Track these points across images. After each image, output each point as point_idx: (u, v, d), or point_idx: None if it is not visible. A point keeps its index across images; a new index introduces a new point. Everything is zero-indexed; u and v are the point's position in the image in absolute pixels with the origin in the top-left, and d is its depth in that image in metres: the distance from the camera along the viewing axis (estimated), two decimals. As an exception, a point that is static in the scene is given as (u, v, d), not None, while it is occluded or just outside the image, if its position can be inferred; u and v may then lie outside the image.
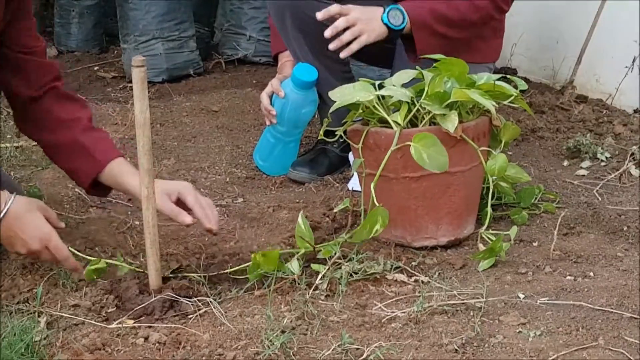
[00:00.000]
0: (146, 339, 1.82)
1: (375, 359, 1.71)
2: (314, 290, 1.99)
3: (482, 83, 2.22)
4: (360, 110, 2.22)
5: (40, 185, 2.64)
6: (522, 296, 1.94)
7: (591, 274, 2.06)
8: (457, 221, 2.22)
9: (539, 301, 1.91)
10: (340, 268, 2.05)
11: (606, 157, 2.80)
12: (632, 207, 2.43)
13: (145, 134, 1.88)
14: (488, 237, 2.17)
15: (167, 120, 3.33)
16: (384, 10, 2.47)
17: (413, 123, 2.18)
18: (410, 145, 2.07)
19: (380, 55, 2.65)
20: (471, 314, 1.88)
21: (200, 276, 2.05)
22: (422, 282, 2.04)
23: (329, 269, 2.04)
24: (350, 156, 2.75)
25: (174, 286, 1.98)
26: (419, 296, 1.94)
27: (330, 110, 2.21)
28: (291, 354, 1.74)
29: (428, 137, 2.05)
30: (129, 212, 2.48)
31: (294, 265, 2.04)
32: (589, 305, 1.88)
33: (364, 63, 3.05)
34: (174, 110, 3.45)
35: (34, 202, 2.03)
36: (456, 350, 1.73)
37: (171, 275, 2.07)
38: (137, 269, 2.07)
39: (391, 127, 2.15)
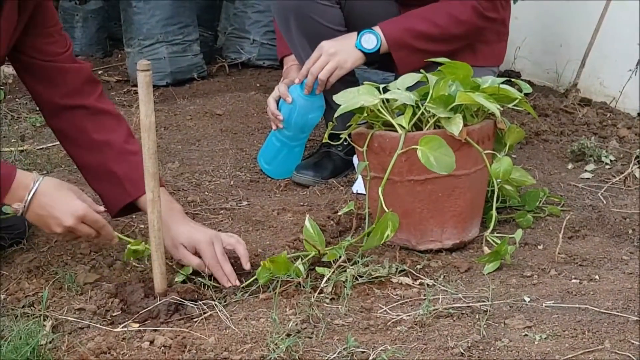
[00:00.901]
0: (151, 342, 1.82)
1: (381, 363, 1.70)
2: (319, 293, 1.99)
3: (486, 86, 2.22)
4: (365, 114, 2.22)
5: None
6: (527, 299, 1.94)
7: (596, 277, 2.06)
8: (462, 224, 2.21)
9: (544, 304, 1.91)
10: (345, 271, 2.05)
11: (610, 160, 2.79)
12: (636, 210, 2.43)
13: (150, 137, 1.88)
14: (493, 240, 2.17)
15: (171, 123, 3.33)
16: (357, 35, 2.53)
17: (418, 126, 2.18)
18: (414, 148, 2.07)
19: (385, 60, 2.65)
20: (477, 317, 1.87)
21: (205, 279, 2.04)
22: (428, 285, 2.04)
23: (334, 272, 2.04)
24: (355, 159, 2.74)
25: (179, 289, 1.98)
26: (425, 299, 1.94)
27: (335, 114, 2.21)
28: (296, 357, 1.73)
29: (434, 139, 2.05)
30: (134, 216, 2.47)
31: (300, 268, 2.04)
32: (595, 309, 1.88)
33: (368, 67, 3.05)
34: (178, 113, 3.45)
35: (64, 183, 2.00)
36: (462, 353, 1.73)
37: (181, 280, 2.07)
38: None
39: (396, 131, 2.14)
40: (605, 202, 2.51)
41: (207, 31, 4.21)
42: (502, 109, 2.22)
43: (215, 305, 1.94)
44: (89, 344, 1.82)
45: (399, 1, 2.67)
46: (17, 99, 3.63)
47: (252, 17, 4.05)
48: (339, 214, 2.43)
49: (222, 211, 2.56)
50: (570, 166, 2.81)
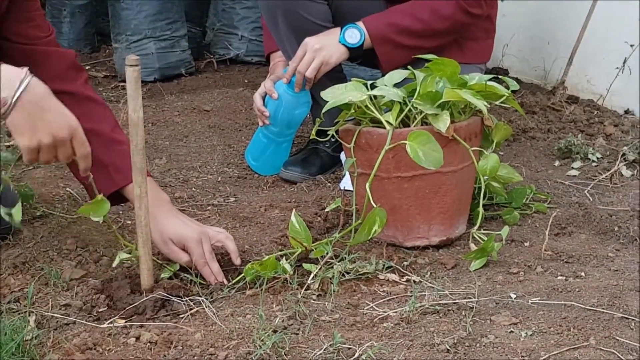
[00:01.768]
0: (137, 338, 1.81)
1: (367, 359, 1.70)
2: (305, 289, 1.99)
3: (473, 83, 2.22)
4: (352, 110, 2.21)
5: (31, 185, 2.62)
6: (513, 296, 1.94)
7: (582, 274, 2.06)
8: (448, 221, 2.21)
9: (530, 301, 1.91)
10: (332, 268, 2.05)
11: (597, 158, 2.80)
12: (623, 208, 2.43)
13: (138, 133, 1.87)
14: (480, 237, 2.17)
15: (158, 119, 3.32)
16: (341, 30, 2.53)
17: (405, 123, 2.18)
18: (402, 145, 2.07)
19: (370, 56, 2.65)
20: (463, 313, 1.88)
21: (192, 275, 2.04)
22: (414, 281, 2.04)
23: (320, 268, 2.04)
24: (342, 156, 2.75)
25: (166, 285, 1.97)
26: (411, 296, 1.94)
27: (323, 111, 2.20)
28: (283, 353, 1.73)
29: (422, 134, 2.05)
30: (121, 212, 2.47)
31: (286, 265, 2.04)
32: (581, 305, 1.88)
33: (352, 63, 3.06)
34: (166, 109, 3.44)
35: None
36: (448, 350, 1.73)
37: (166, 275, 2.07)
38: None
39: (383, 127, 2.14)
40: (591, 199, 2.52)
41: (195, 27, 4.20)
42: (489, 106, 2.22)
43: (202, 301, 1.94)
44: (74, 340, 1.81)
45: (386, -2, 2.67)
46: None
47: (240, 13, 4.04)
48: (326, 210, 2.43)
49: (209, 207, 2.56)
50: (557, 163, 2.82)
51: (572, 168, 2.76)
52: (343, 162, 2.68)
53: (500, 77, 2.45)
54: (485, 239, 2.13)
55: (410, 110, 2.16)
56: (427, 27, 2.54)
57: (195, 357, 1.74)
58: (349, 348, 1.74)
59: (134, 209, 1.92)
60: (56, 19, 4.28)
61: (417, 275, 2.07)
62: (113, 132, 2.12)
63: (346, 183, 2.60)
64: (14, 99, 1.67)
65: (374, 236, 2.07)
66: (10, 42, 2.08)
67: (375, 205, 2.05)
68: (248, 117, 3.29)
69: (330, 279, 2.02)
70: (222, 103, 3.48)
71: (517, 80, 3.37)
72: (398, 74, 2.26)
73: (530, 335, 1.78)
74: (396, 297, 1.97)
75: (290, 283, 2.01)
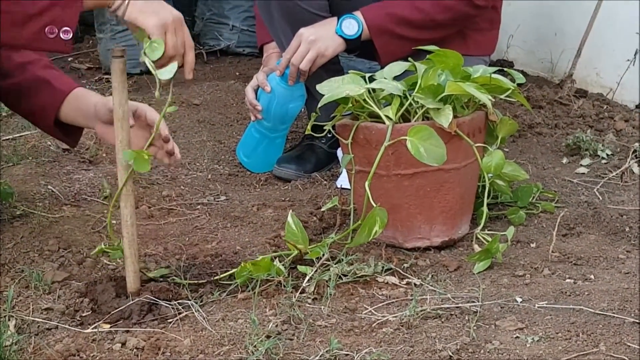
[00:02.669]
0: (123, 344, 1.81)
1: (365, 366, 1.71)
2: (300, 293, 1.99)
3: (477, 76, 2.22)
4: (350, 105, 2.21)
5: (10, 182, 2.62)
6: (519, 300, 1.95)
7: (592, 276, 2.07)
8: (451, 221, 2.22)
9: (537, 305, 1.92)
10: (328, 270, 2.05)
11: (607, 155, 2.81)
12: (634, 207, 2.44)
13: (124, 127, 1.88)
14: (484, 238, 2.17)
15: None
16: (338, 21, 2.53)
17: (405, 118, 2.18)
18: (402, 140, 2.07)
19: (367, 48, 2.65)
20: (466, 318, 1.88)
21: (180, 278, 2.04)
22: (415, 284, 2.04)
23: (316, 270, 2.04)
24: (339, 152, 2.74)
25: (153, 289, 1.97)
26: (411, 299, 1.94)
27: (319, 105, 2.20)
28: (277, 360, 1.73)
29: (424, 129, 2.05)
30: (105, 211, 2.47)
31: (280, 267, 2.04)
32: (590, 310, 1.88)
33: (349, 55, 3.06)
34: (153, 103, 3.43)
35: None
36: (450, 356, 1.73)
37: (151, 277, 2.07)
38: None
39: (382, 122, 2.14)
40: (601, 198, 2.52)
41: (183, 16, 4.19)
42: (494, 100, 2.22)
43: (191, 305, 1.94)
44: (56, 345, 1.81)
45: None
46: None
47: (231, 2, 4.03)
48: (322, 209, 2.43)
49: (198, 206, 2.56)
50: (565, 160, 2.82)
51: (581, 165, 2.77)
52: (340, 158, 2.68)
53: (505, 69, 2.46)
54: (490, 239, 2.13)
55: (410, 104, 2.16)
56: (427, 17, 2.54)
57: (184, 364, 1.74)
58: (346, 354, 1.74)
59: (120, 208, 1.92)
60: (37, 7, 4.26)
61: (418, 278, 2.07)
62: (51, 64, 2.27)
63: (343, 181, 2.60)
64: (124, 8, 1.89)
65: (374, 237, 2.07)
66: None
67: (375, 205, 2.05)
68: (239, 111, 3.29)
69: (327, 281, 2.02)
70: (212, 97, 3.47)
71: (523, 73, 3.37)
72: (398, 66, 2.26)
73: (537, 341, 1.78)
74: (396, 301, 1.97)
75: (285, 286, 2.01)
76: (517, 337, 1.80)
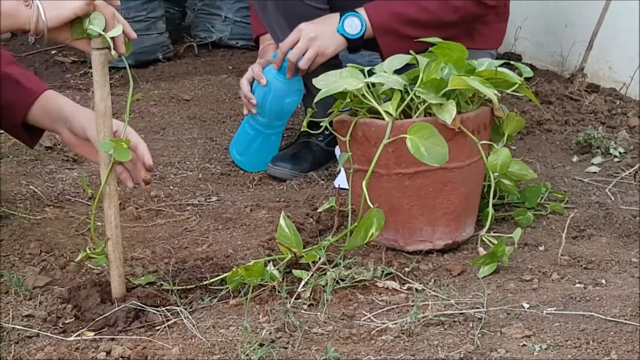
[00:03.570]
0: (108, 353, 1.81)
1: (363, 375, 1.71)
2: (295, 299, 1.99)
3: (482, 70, 2.22)
4: (348, 100, 2.21)
5: (-10, 182, 2.63)
6: (526, 306, 1.95)
7: (603, 281, 2.07)
8: (455, 223, 2.22)
9: (545, 311, 1.92)
10: (325, 274, 2.05)
11: (620, 153, 2.81)
12: (648, 208, 2.44)
13: (106, 124, 1.88)
14: (489, 241, 2.17)
15: (133, 109, 3.31)
16: (340, 19, 2.53)
17: (406, 114, 2.18)
18: (403, 138, 2.07)
19: (369, 43, 2.65)
20: (470, 325, 1.88)
21: (169, 283, 2.04)
22: (416, 290, 2.04)
23: (312, 275, 2.04)
24: (337, 150, 2.74)
25: (140, 294, 1.97)
26: (413, 305, 1.94)
27: (315, 100, 2.20)
28: (270, 369, 1.73)
29: (425, 127, 2.05)
30: (89, 212, 2.46)
31: (274, 272, 2.03)
32: (601, 316, 1.89)
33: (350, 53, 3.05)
34: (141, 99, 3.44)
35: None
36: (453, 365, 1.73)
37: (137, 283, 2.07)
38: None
39: (382, 118, 2.14)
40: (613, 198, 2.52)
41: (173, 7, 4.20)
42: (500, 95, 2.22)
43: (180, 311, 1.94)
44: (38, 354, 1.81)
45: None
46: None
47: (223, -8, 4.04)
48: (318, 211, 2.43)
49: (188, 207, 2.56)
50: (575, 159, 2.82)
51: (592, 164, 2.77)
52: (338, 157, 2.67)
53: (512, 63, 2.46)
54: (496, 242, 2.13)
55: (412, 99, 2.16)
56: (434, 17, 2.54)
57: (173, 374, 1.74)
58: (344, 363, 1.75)
59: (104, 209, 1.92)
60: None
61: (420, 283, 2.07)
62: (13, 60, 2.26)
63: (341, 181, 2.60)
64: (38, 17, 1.86)
65: (371, 240, 2.07)
66: None
67: (372, 206, 2.05)
68: (232, 107, 3.29)
69: (323, 286, 2.02)
70: (203, 92, 3.48)
71: (532, 66, 3.37)
72: (398, 60, 2.26)
73: (545, 349, 1.78)
74: (396, 307, 1.97)
75: (279, 291, 2.01)
76: (524, 345, 1.80)
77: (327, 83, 2.18)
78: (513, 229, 2.24)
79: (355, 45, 2.59)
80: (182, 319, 1.92)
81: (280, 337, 1.84)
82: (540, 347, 1.79)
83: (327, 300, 1.98)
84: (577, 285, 2.06)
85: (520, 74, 2.33)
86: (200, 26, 4.12)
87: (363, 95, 2.16)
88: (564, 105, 3.20)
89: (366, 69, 2.21)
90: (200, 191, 2.68)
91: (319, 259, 2.08)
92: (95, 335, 1.88)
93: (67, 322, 1.94)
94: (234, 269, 2.01)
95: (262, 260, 2.05)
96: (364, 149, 2.18)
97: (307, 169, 2.77)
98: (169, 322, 1.91)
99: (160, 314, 1.93)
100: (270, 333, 1.85)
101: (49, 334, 1.89)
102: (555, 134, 3.00)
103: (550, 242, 2.27)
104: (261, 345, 1.80)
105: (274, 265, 2.06)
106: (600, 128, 2.95)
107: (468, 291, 2.04)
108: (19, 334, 1.89)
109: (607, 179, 2.66)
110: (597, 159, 2.79)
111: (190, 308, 1.97)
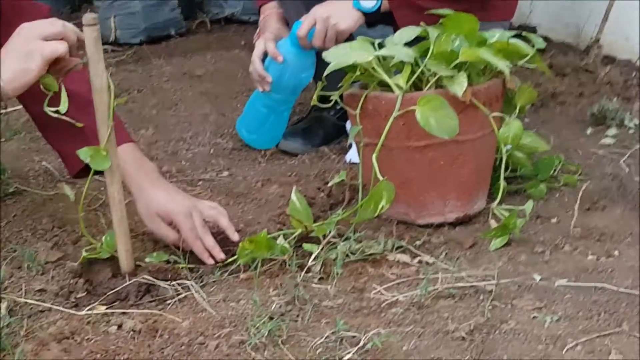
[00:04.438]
0: (119, 326, 1.83)
1: (373, 348, 1.71)
2: (306, 272, 1.99)
3: (494, 41, 2.21)
4: (358, 73, 2.21)
5: (3, 159, 2.64)
6: (537, 278, 1.95)
7: (616, 253, 2.06)
8: (466, 196, 2.21)
9: (556, 283, 1.92)
10: (335, 248, 2.05)
11: (635, 124, 2.80)
12: (662, 180, 2.43)
13: (103, 100, 1.86)
14: (501, 213, 2.17)
15: (145, 86, 3.32)
16: None
17: (417, 86, 2.17)
18: (413, 111, 2.07)
19: (389, 16, 2.64)
20: (481, 297, 1.88)
21: (180, 257, 2.05)
22: (427, 263, 2.04)
23: (322, 248, 2.05)
24: (348, 125, 2.74)
25: (151, 269, 1.99)
26: (423, 278, 1.94)
27: (325, 73, 2.20)
28: (280, 342, 1.74)
29: (435, 99, 2.05)
30: (102, 188, 2.48)
31: (285, 245, 2.04)
32: (613, 288, 1.88)
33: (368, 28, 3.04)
34: (154, 75, 3.45)
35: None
36: (463, 337, 1.74)
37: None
38: None
39: (392, 91, 2.14)
40: (627, 170, 2.51)
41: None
42: (512, 66, 2.21)
43: (191, 285, 1.95)
44: (50, 328, 1.82)
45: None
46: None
47: (236, -33, 4.03)
48: (329, 185, 2.43)
49: (200, 182, 2.57)
50: (589, 131, 2.81)
51: (607, 136, 2.75)
52: (349, 131, 2.67)
53: (524, 34, 2.44)
54: (507, 215, 2.13)
55: (422, 72, 2.15)
56: None
57: (183, 347, 1.75)
58: (353, 336, 1.75)
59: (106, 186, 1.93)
60: (31, -25, 4.27)
61: (431, 256, 2.07)
62: (89, 93, 2.12)
63: (353, 155, 2.60)
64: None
65: (382, 213, 2.07)
66: None
67: (381, 178, 2.05)
68: (244, 82, 3.29)
69: (334, 260, 2.02)
70: (215, 67, 3.48)
71: (546, 39, 3.35)
72: (409, 32, 2.25)
73: (556, 320, 1.78)
74: (407, 280, 1.98)
75: (289, 265, 2.01)
76: (535, 317, 1.80)
77: (337, 56, 2.18)
78: (525, 201, 2.23)
79: (372, 19, 2.56)
80: (192, 293, 1.93)
81: (290, 310, 1.85)
82: (551, 318, 1.79)
83: (337, 274, 1.99)
84: (590, 257, 2.05)
85: (533, 46, 2.32)
86: (213, 2, 4.12)
87: (373, 68, 2.16)
88: (578, 77, 3.18)
89: (376, 41, 2.20)
90: (212, 166, 2.69)
91: (330, 232, 2.09)
92: (106, 309, 1.89)
93: (79, 296, 1.95)
94: (240, 243, 2.01)
95: (265, 231, 2.04)
96: (374, 122, 2.18)
97: (319, 144, 2.77)
98: (180, 296, 1.92)
99: (171, 288, 1.94)
100: (280, 306, 1.86)
101: (61, 308, 1.90)
102: (569, 106, 2.98)
103: (563, 215, 2.27)
104: (271, 318, 1.81)
105: (285, 239, 2.07)
106: (615, 100, 2.93)
107: (479, 264, 2.04)
108: (31, 308, 1.91)
109: (622, 150, 2.65)
110: (612, 131, 2.78)
111: (201, 282, 1.98)
